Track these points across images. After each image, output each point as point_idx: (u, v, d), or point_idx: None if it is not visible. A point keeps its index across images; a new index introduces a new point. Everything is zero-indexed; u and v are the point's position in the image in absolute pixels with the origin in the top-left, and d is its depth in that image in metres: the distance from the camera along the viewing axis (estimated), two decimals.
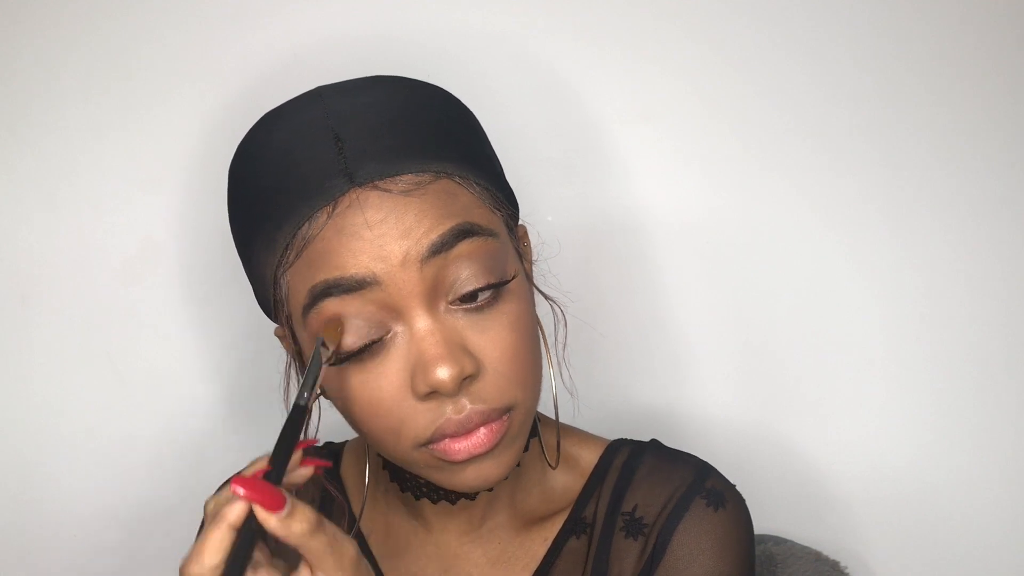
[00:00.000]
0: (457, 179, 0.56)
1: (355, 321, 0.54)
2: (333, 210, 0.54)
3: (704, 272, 0.86)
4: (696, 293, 0.86)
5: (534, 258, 0.67)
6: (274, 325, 0.63)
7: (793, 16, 0.82)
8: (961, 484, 0.88)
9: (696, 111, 0.83)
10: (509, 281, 0.57)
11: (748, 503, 0.70)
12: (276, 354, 0.86)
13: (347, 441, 0.72)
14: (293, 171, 0.55)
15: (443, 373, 0.54)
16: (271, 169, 0.57)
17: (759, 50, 0.82)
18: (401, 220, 0.54)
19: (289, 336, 0.60)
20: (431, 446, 0.56)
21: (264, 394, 0.86)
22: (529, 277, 0.62)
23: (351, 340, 0.55)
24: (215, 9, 0.81)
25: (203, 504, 0.69)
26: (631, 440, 0.69)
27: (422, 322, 0.55)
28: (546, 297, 0.65)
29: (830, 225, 0.84)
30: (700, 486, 0.65)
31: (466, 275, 0.55)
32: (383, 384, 0.55)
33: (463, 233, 0.55)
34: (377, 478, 0.68)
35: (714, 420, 0.88)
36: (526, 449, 0.64)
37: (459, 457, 0.56)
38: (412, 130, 0.56)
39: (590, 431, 0.70)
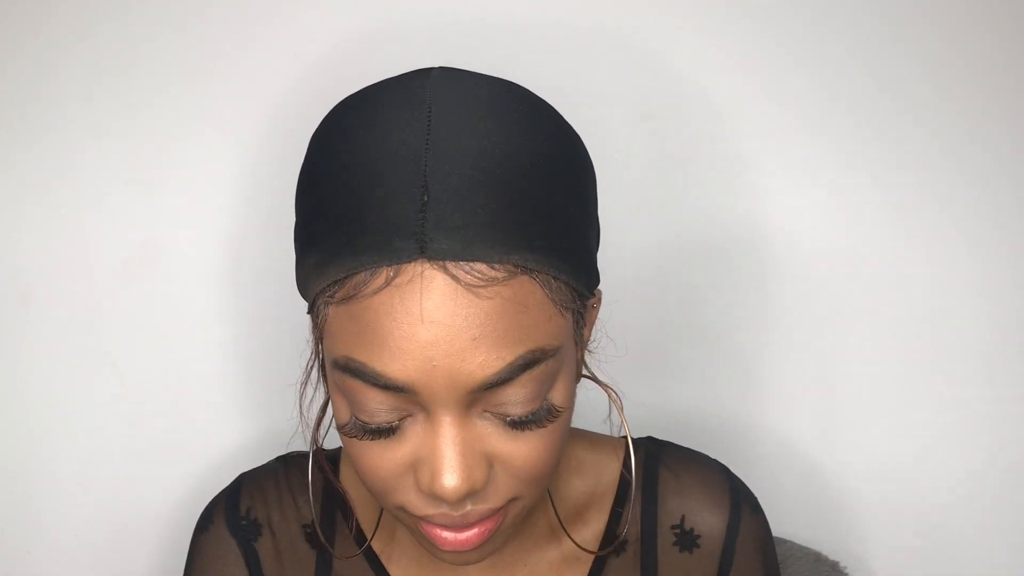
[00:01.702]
0: (536, 275, 0.49)
1: (374, 405, 0.50)
2: (394, 275, 0.47)
3: (706, 270, 0.86)
4: (696, 293, 0.86)
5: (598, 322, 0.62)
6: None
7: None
8: (961, 485, 0.88)
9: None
10: (557, 411, 0.52)
11: None
12: (276, 354, 0.86)
13: (337, 448, 0.69)
14: (373, 205, 0.48)
15: (450, 484, 0.50)
16: (354, 186, 0.49)
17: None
18: (460, 333, 0.47)
19: (314, 343, 0.56)
20: (419, 520, 0.54)
21: (265, 394, 0.87)
22: (581, 357, 0.57)
23: (365, 417, 0.51)
24: (216, 9, 0.81)
25: (198, 516, 0.69)
26: (635, 439, 0.69)
27: (447, 427, 0.50)
28: (602, 385, 0.61)
29: (836, 222, 0.84)
30: (738, 491, 0.66)
31: (515, 400, 0.50)
32: (387, 459, 0.52)
33: (526, 366, 0.49)
34: None
35: (714, 420, 0.88)
36: None
37: (444, 547, 0.54)
38: (506, 201, 0.48)
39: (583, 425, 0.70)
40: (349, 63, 0.81)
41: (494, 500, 0.52)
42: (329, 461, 0.68)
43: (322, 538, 0.65)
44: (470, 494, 0.51)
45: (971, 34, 0.81)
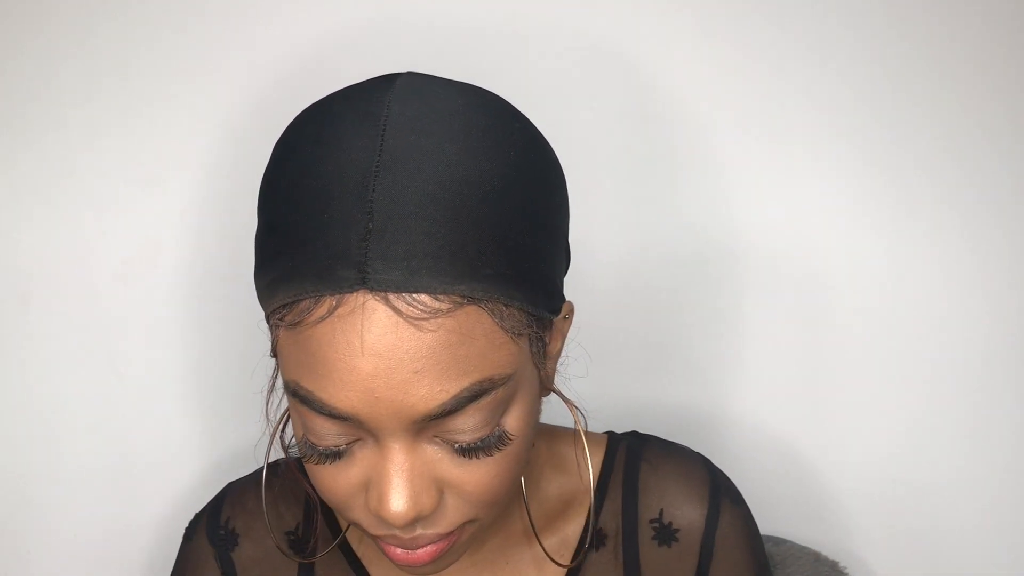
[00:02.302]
0: (484, 305, 0.48)
1: (323, 430, 0.50)
2: (336, 305, 0.46)
3: (705, 271, 0.86)
4: (697, 292, 0.86)
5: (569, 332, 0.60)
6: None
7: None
8: (961, 485, 0.88)
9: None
10: (509, 438, 0.51)
11: (747, 503, 0.71)
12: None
13: None
14: (316, 230, 0.47)
15: (396, 509, 0.49)
16: (300, 205, 0.48)
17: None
18: (401, 367, 0.46)
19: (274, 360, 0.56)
20: (377, 538, 0.54)
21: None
22: (546, 378, 0.56)
23: (315, 440, 0.51)
24: (216, 8, 0.81)
25: (189, 520, 0.70)
26: (617, 434, 0.69)
27: (395, 453, 0.49)
28: (566, 402, 0.60)
29: (829, 223, 0.84)
30: (717, 484, 0.66)
31: (464, 428, 0.49)
32: (340, 480, 0.52)
33: (473, 397, 0.48)
34: None
35: (714, 420, 0.88)
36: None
37: (397, 562, 0.54)
38: (454, 228, 0.46)
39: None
40: (348, 62, 0.81)
41: (444, 525, 0.52)
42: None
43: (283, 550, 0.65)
44: (418, 520, 0.51)
45: (962, 34, 0.81)
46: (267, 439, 0.60)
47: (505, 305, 0.49)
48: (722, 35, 0.81)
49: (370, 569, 0.65)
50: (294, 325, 0.48)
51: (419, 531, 0.52)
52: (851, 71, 0.82)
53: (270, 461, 0.69)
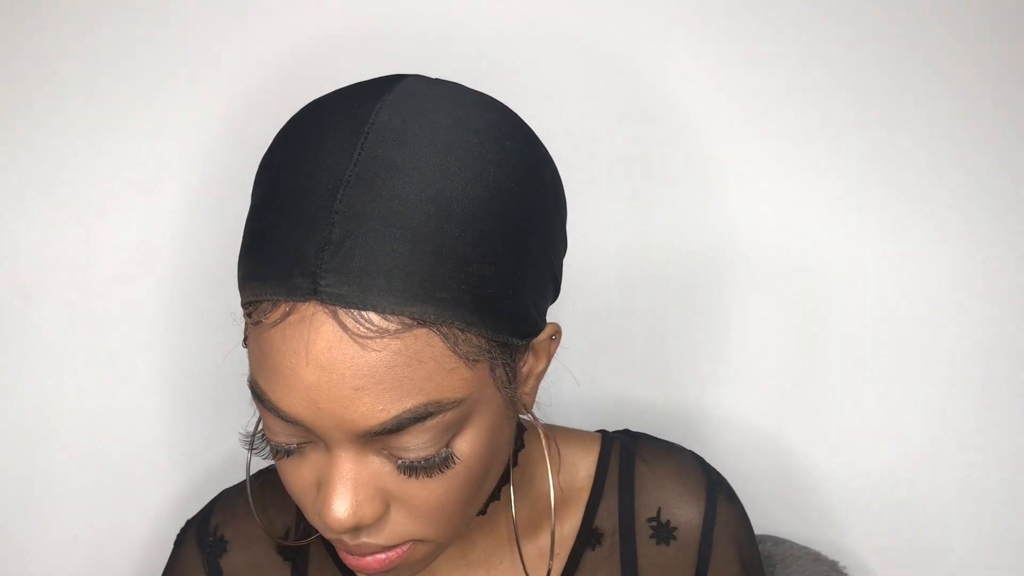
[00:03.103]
0: (436, 328, 0.47)
1: (277, 427, 0.51)
2: (288, 312, 0.47)
3: (706, 272, 0.86)
4: (692, 293, 0.86)
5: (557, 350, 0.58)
6: None
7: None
8: (961, 485, 0.88)
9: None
10: (456, 460, 0.50)
11: (747, 503, 0.72)
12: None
13: None
14: (279, 233, 0.47)
15: (337, 514, 0.49)
16: (275, 209, 0.48)
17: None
18: (342, 382, 0.46)
19: None
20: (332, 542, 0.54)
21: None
22: (521, 398, 0.55)
23: (270, 435, 0.52)
24: (216, 9, 0.81)
25: (184, 521, 0.70)
26: (610, 432, 0.69)
27: (341, 460, 0.49)
28: (539, 426, 0.58)
29: (825, 223, 0.84)
30: (713, 481, 0.66)
31: (410, 446, 0.49)
32: (296, 477, 0.52)
33: (415, 419, 0.48)
34: None
35: (713, 420, 0.88)
36: (515, 464, 0.62)
37: (352, 567, 0.54)
38: (414, 250, 0.46)
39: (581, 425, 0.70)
40: (349, 63, 0.81)
41: (387, 537, 0.52)
42: None
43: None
44: (358, 528, 0.51)
45: (964, 31, 0.81)
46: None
47: (460, 330, 0.48)
48: (720, 34, 0.81)
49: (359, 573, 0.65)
50: (256, 324, 0.49)
51: (363, 539, 0.52)
52: (849, 70, 0.82)
53: (261, 469, 0.70)
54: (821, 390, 0.87)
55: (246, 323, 0.51)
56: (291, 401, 0.48)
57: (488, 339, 0.49)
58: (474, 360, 0.49)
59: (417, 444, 0.49)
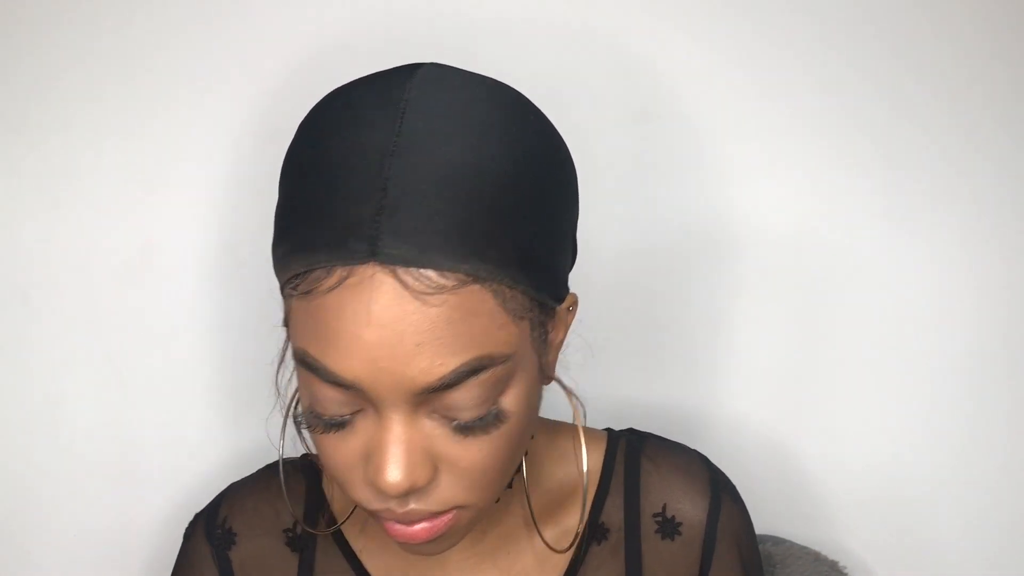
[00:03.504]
0: (488, 285, 0.49)
1: (328, 398, 0.52)
2: (347, 276, 0.48)
3: (710, 273, 0.86)
4: (692, 291, 0.86)
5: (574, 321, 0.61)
6: (277, 315, 0.61)
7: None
8: (961, 485, 0.88)
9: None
10: (506, 416, 0.52)
11: (747, 503, 0.72)
12: (276, 355, 0.86)
13: None
14: (331, 203, 0.49)
15: (391, 479, 0.51)
16: (319, 182, 0.50)
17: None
18: (404, 338, 0.48)
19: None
20: (375, 514, 0.55)
21: (265, 396, 0.87)
22: (547, 366, 0.57)
23: (319, 409, 0.53)
24: (217, 10, 0.81)
25: (190, 519, 0.70)
26: (616, 430, 0.70)
27: (394, 424, 0.51)
28: (565, 390, 0.61)
29: (833, 225, 0.84)
30: (717, 479, 0.68)
31: (462, 405, 0.51)
32: (341, 450, 0.53)
33: (472, 372, 0.50)
34: None
35: (714, 420, 0.88)
36: (516, 470, 0.63)
37: (397, 539, 0.55)
38: (464, 208, 0.48)
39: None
40: (348, 64, 0.81)
41: (436, 504, 0.53)
42: (310, 468, 0.69)
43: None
44: (411, 491, 0.52)
45: (961, 28, 0.81)
46: (277, 424, 0.61)
47: (509, 287, 0.50)
48: (723, 30, 0.81)
49: (367, 565, 0.66)
50: (306, 294, 0.50)
51: (412, 506, 0.53)
52: (853, 69, 0.82)
53: (269, 463, 0.71)
54: (822, 390, 0.87)
55: (289, 300, 0.52)
56: (350, 364, 0.49)
57: (531, 298, 0.52)
58: (520, 318, 0.52)
59: (469, 401, 0.50)
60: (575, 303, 0.59)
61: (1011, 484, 0.87)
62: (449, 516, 0.54)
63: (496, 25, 0.81)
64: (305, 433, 0.58)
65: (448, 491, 0.53)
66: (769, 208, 0.84)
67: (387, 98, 0.51)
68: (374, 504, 0.54)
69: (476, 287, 0.49)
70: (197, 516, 0.70)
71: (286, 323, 0.54)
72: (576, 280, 0.65)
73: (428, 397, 0.50)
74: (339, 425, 0.53)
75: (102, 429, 0.86)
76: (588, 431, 0.69)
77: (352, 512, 0.67)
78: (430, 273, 0.48)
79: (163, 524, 0.87)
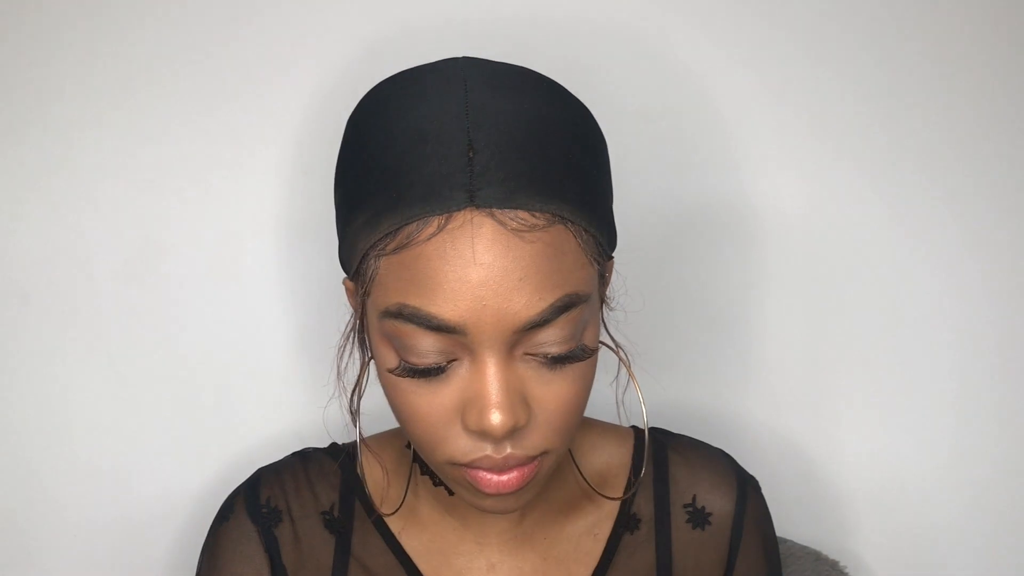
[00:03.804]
0: (570, 225, 0.53)
1: (425, 347, 0.54)
2: (445, 223, 0.51)
3: (716, 270, 0.86)
4: (701, 292, 0.86)
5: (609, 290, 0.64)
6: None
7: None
8: (961, 485, 0.88)
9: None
10: (590, 351, 0.56)
11: None
12: (276, 355, 0.86)
13: (354, 441, 0.70)
14: (421, 161, 0.52)
15: (496, 420, 0.53)
16: (401, 146, 0.53)
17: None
18: (508, 274, 0.51)
19: (359, 304, 0.58)
20: (465, 469, 0.57)
21: (265, 396, 0.87)
22: (602, 317, 0.61)
23: (415, 359, 0.54)
24: (217, 9, 0.81)
25: (202, 508, 0.70)
26: (641, 428, 0.72)
27: (492, 367, 0.53)
28: (614, 349, 0.63)
29: (843, 224, 0.84)
30: (742, 475, 0.71)
31: (553, 340, 0.54)
32: (435, 404, 0.55)
33: (564, 308, 0.53)
34: (406, 473, 0.68)
35: (714, 419, 0.88)
36: None
37: (488, 490, 0.57)
38: (541, 157, 0.53)
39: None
40: (350, 62, 0.81)
41: (530, 447, 0.56)
42: (347, 455, 0.70)
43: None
44: (514, 430, 0.54)
45: (970, 24, 0.81)
46: (290, 435, 0.63)
47: (585, 230, 0.54)
48: (748, 20, 0.82)
49: (407, 546, 0.67)
50: (399, 249, 0.52)
51: (509, 450, 0.55)
52: (880, 64, 0.82)
53: (297, 451, 0.71)
54: (824, 391, 0.87)
55: (377, 262, 0.54)
56: (454, 306, 0.52)
57: (599, 244, 0.56)
58: (593, 260, 0.55)
59: (559, 337, 0.54)
60: (611, 270, 0.62)
61: (1012, 485, 0.87)
62: (535, 464, 0.57)
63: (519, 18, 0.82)
64: (359, 422, 0.61)
65: (538, 435, 0.56)
66: (785, 206, 0.84)
67: (445, 74, 0.56)
68: (471, 454, 0.55)
69: (561, 227, 0.53)
70: (232, 497, 0.69)
71: (365, 293, 0.56)
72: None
73: (523, 336, 0.53)
74: (435, 372, 0.54)
75: (102, 429, 0.86)
76: (614, 427, 0.71)
77: (403, 502, 0.67)
78: (523, 213, 0.52)
79: (162, 524, 0.87)
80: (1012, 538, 0.88)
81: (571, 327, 0.54)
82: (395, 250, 0.53)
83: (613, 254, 0.61)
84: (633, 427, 0.72)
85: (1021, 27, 0.81)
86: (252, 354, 0.86)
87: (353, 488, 0.69)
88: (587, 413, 0.67)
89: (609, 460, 0.69)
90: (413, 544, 0.67)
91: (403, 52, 0.81)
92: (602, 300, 0.60)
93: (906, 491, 0.88)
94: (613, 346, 0.63)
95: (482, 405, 0.53)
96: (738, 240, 0.85)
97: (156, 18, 0.81)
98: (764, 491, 0.71)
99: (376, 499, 0.68)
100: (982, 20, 0.81)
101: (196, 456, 0.87)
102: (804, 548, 0.85)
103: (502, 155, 0.52)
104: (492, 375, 0.53)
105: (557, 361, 0.54)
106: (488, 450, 0.55)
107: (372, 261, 0.54)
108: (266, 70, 0.82)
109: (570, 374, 0.55)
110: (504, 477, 0.56)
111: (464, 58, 0.58)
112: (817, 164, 0.84)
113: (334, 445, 0.71)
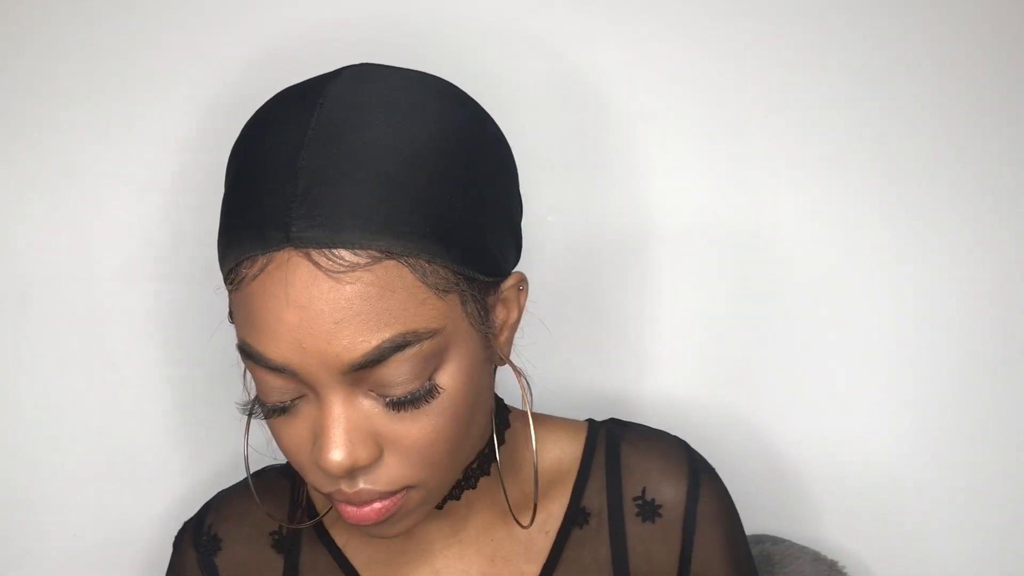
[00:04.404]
0: (404, 260, 0.51)
1: (269, 385, 0.54)
2: (267, 263, 0.51)
3: (700, 271, 0.86)
4: (692, 291, 0.86)
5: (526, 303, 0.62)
6: None
7: (796, 20, 0.82)
8: (961, 484, 0.88)
9: (697, 111, 0.84)
10: (440, 390, 0.53)
11: (746, 503, 0.73)
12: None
13: None
14: (251, 198, 0.52)
15: (335, 458, 0.52)
16: (240, 180, 0.54)
17: (761, 51, 0.82)
18: (323, 317, 0.50)
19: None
20: (331, 496, 0.56)
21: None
22: (498, 346, 0.58)
23: (263, 397, 0.55)
24: (216, 10, 0.81)
25: (179, 527, 0.71)
26: (597, 421, 0.71)
27: (333, 406, 0.52)
28: (516, 372, 0.61)
29: (821, 222, 0.85)
30: (695, 462, 0.69)
31: (394, 381, 0.52)
32: (292, 436, 0.55)
33: (396, 348, 0.51)
34: None
35: (714, 419, 0.88)
36: (501, 442, 0.64)
37: (350, 520, 0.56)
38: (372, 189, 0.50)
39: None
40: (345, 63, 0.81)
41: (385, 484, 0.54)
42: (293, 471, 0.70)
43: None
44: (355, 470, 0.53)
45: (951, 30, 0.82)
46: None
47: (427, 261, 0.52)
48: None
49: (352, 559, 0.67)
50: (238, 285, 0.53)
51: (361, 486, 0.54)
52: (856, 63, 0.82)
53: (254, 471, 0.71)
54: (821, 389, 0.87)
55: (230, 296, 0.54)
56: (277, 347, 0.51)
57: (454, 271, 0.53)
58: (444, 291, 0.53)
59: (400, 377, 0.52)
60: (523, 281, 0.60)
61: (1010, 484, 0.88)
62: (399, 497, 0.56)
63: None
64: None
65: (395, 470, 0.54)
66: (758, 203, 0.84)
67: (305, 97, 0.54)
68: (326, 487, 0.55)
69: (391, 263, 0.51)
70: (185, 525, 0.71)
71: (231, 320, 0.56)
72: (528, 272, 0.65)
73: (360, 375, 0.52)
74: (283, 410, 0.54)
75: (101, 429, 0.86)
76: (568, 422, 0.70)
77: (331, 507, 0.67)
78: (343, 252, 0.50)
79: (162, 524, 0.87)
80: (1009, 535, 0.88)
81: (411, 366, 0.52)
82: (236, 287, 0.53)
83: (521, 273, 0.59)
84: (588, 420, 0.71)
85: (1009, 45, 0.82)
86: None
87: (301, 504, 0.69)
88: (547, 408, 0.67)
89: (561, 455, 0.68)
90: (359, 556, 0.67)
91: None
92: (485, 326, 0.56)
93: (906, 491, 0.89)
94: (514, 369, 0.61)
95: (321, 444, 0.53)
96: (734, 244, 0.85)
97: (156, 18, 0.81)
98: (763, 491, 0.71)
99: (321, 511, 0.68)
100: (968, 33, 0.82)
101: (196, 457, 0.88)
102: (802, 548, 0.85)
103: (329, 191, 0.50)
104: (332, 414, 0.52)
105: (399, 404, 0.53)
106: (340, 484, 0.55)
107: (229, 293, 0.55)
108: (268, 67, 0.82)
109: (423, 414, 0.53)
110: (362, 510, 0.55)
111: (351, 69, 0.56)
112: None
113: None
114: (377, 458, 0.54)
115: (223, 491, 0.72)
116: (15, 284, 0.84)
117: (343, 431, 0.52)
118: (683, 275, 0.86)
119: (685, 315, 0.87)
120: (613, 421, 0.71)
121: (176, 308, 0.85)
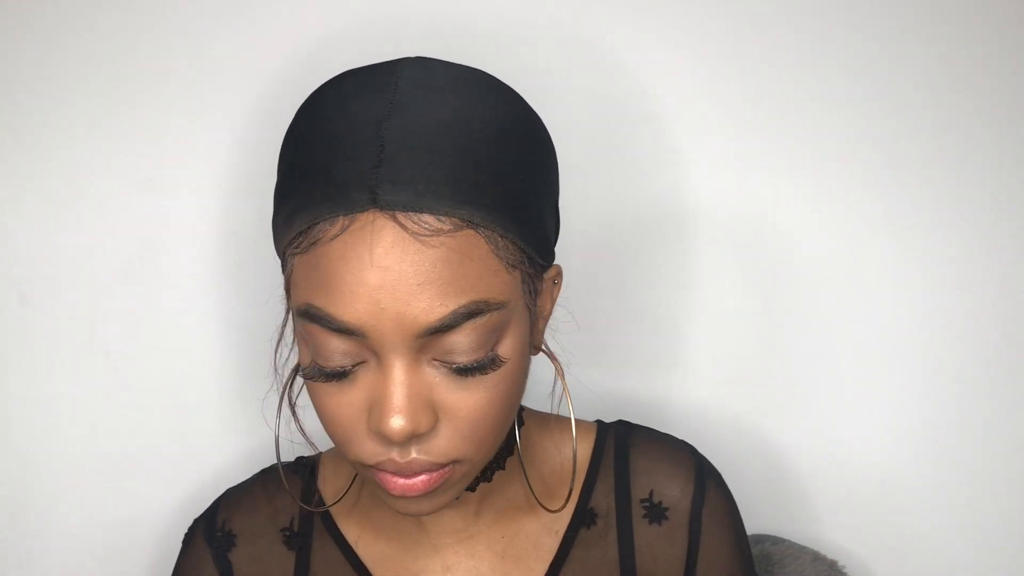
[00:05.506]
0: (482, 231, 0.53)
1: (331, 349, 0.54)
2: (349, 224, 0.51)
3: (699, 271, 0.86)
4: (697, 289, 0.86)
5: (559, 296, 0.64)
6: (277, 314, 0.63)
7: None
8: (961, 484, 0.88)
9: (716, 109, 0.84)
10: (502, 361, 0.55)
11: (746, 503, 0.74)
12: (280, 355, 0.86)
13: (321, 453, 0.72)
14: (333, 162, 0.52)
15: (395, 424, 0.53)
16: (318, 145, 0.54)
17: (786, 48, 0.83)
18: (406, 279, 0.51)
19: (286, 298, 0.59)
20: (373, 470, 0.57)
21: (265, 395, 0.87)
22: (535, 333, 0.60)
23: (322, 361, 0.54)
24: (216, 9, 0.81)
25: (202, 508, 0.71)
26: (606, 423, 0.72)
27: (396, 371, 0.53)
28: (552, 359, 0.63)
29: (829, 223, 0.85)
30: (702, 467, 0.70)
31: (461, 348, 0.53)
32: (343, 404, 0.55)
33: (469, 315, 0.52)
34: (359, 481, 0.68)
35: (714, 420, 0.88)
36: (510, 453, 0.65)
37: (394, 492, 0.56)
38: (456, 160, 0.52)
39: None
40: (343, 63, 0.81)
41: (437, 455, 0.55)
42: (304, 468, 0.71)
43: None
44: (414, 435, 0.54)
45: (950, 27, 0.81)
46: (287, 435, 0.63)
47: (501, 236, 0.53)
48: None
49: (362, 555, 0.67)
50: (309, 247, 0.53)
51: (414, 455, 0.55)
52: (857, 60, 0.82)
53: (265, 467, 0.72)
54: (822, 390, 0.87)
55: (291, 260, 0.54)
56: (354, 308, 0.51)
57: (521, 249, 0.55)
58: (512, 267, 0.54)
59: (467, 345, 0.53)
60: (559, 275, 0.61)
61: (1007, 481, 0.88)
62: (447, 471, 0.56)
63: (483, 23, 0.82)
64: (300, 415, 0.60)
65: (447, 442, 0.55)
66: (770, 204, 0.84)
67: (381, 76, 0.55)
68: (376, 456, 0.55)
69: (471, 232, 0.52)
70: (196, 521, 0.71)
71: (287, 289, 0.56)
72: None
73: (428, 341, 0.52)
74: (341, 375, 0.54)
75: (102, 429, 0.86)
76: (578, 422, 0.71)
77: (344, 494, 0.68)
78: (427, 217, 0.51)
79: (164, 524, 0.87)
80: (1008, 534, 0.88)
81: (479, 335, 0.53)
82: (306, 248, 0.53)
83: (558, 265, 0.61)
84: (597, 421, 0.72)
85: (1010, 44, 0.82)
86: (253, 355, 0.86)
87: (313, 504, 0.69)
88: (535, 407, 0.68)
89: (568, 457, 0.69)
90: (370, 552, 0.67)
91: (373, 51, 0.81)
92: (532, 310, 0.58)
93: (906, 491, 0.89)
94: (550, 357, 0.63)
95: (383, 409, 0.53)
96: (745, 242, 0.85)
97: (157, 19, 0.81)
98: (763, 491, 0.72)
99: (337, 512, 0.68)
100: (968, 33, 0.82)
101: (197, 457, 0.88)
102: (802, 548, 0.85)
103: (414, 158, 0.51)
104: (395, 379, 0.53)
105: (464, 371, 0.54)
106: (393, 454, 0.55)
107: (289, 259, 0.55)
108: (268, 67, 0.82)
109: (482, 384, 0.54)
110: (410, 481, 0.56)
111: (414, 58, 0.58)
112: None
113: (299, 459, 0.72)
114: (433, 427, 0.54)
115: (233, 488, 0.72)
116: (15, 284, 0.84)
117: (406, 396, 0.53)
118: (683, 275, 0.86)
119: (685, 315, 0.87)
120: (621, 423, 0.72)
121: (176, 308, 0.85)
